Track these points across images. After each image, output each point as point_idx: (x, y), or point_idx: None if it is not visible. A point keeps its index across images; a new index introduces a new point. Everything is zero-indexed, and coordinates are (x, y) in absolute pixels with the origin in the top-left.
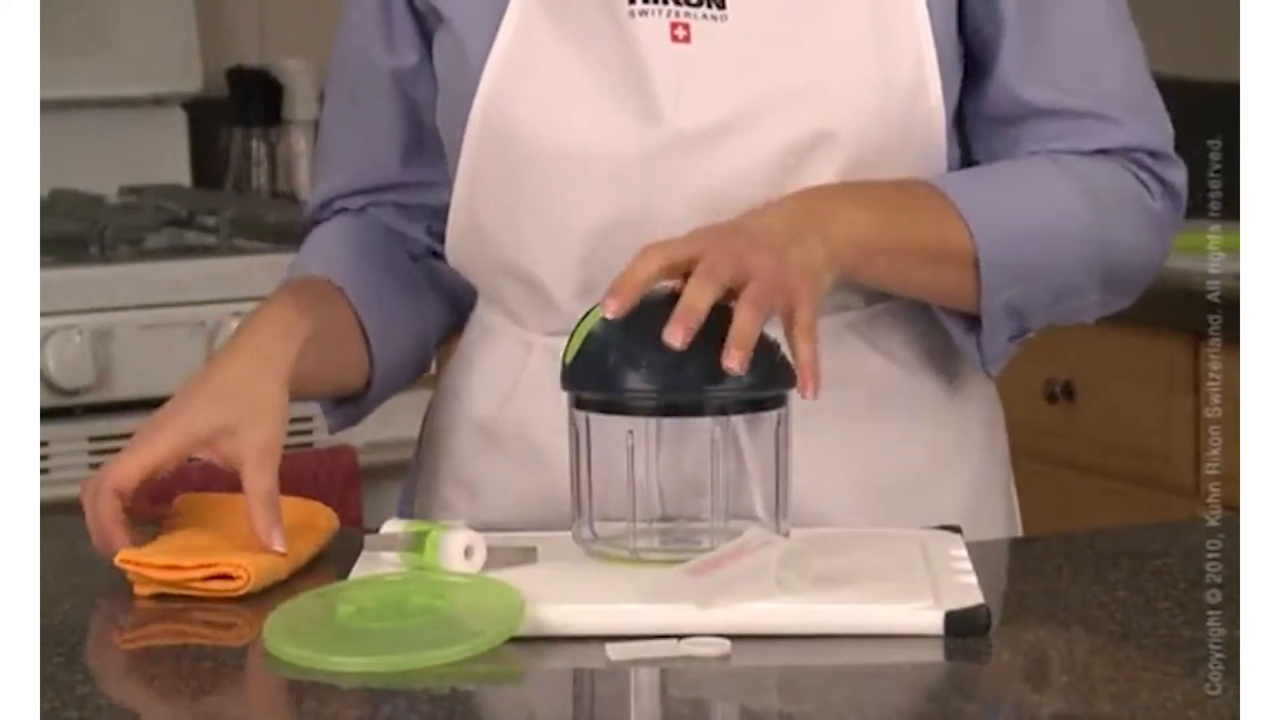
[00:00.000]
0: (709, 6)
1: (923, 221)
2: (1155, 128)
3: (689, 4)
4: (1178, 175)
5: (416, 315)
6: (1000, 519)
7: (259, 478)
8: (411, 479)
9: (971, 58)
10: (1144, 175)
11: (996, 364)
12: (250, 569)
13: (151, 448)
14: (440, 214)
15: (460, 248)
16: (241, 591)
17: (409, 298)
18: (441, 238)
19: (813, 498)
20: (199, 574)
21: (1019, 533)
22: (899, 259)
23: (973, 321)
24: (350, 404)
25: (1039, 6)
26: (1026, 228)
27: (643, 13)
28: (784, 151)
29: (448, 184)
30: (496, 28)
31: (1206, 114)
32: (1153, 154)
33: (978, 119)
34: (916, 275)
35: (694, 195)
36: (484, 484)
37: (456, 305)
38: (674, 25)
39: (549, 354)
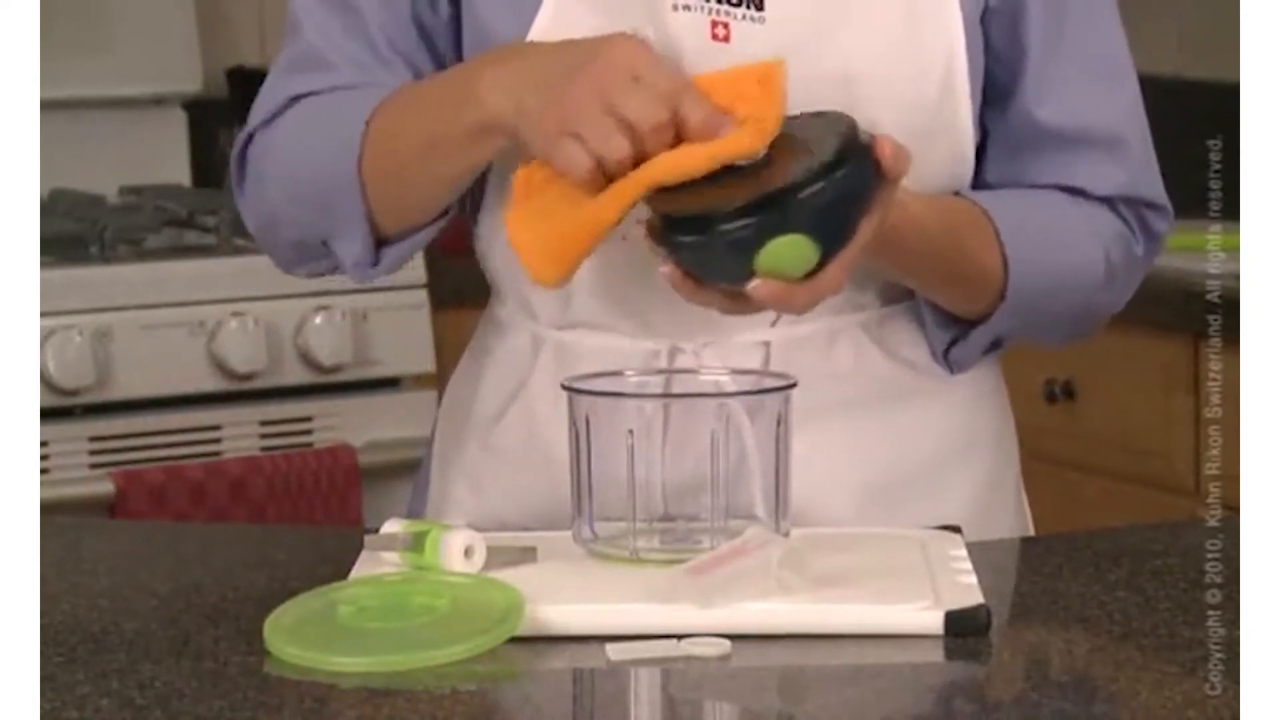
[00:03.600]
0: (748, 7)
1: (969, 244)
2: (1156, 178)
3: (729, 3)
4: (1164, 225)
5: None
6: (1009, 517)
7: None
8: (423, 475)
9: (992, 82)
10: (1134, 224)
11: (960, 369)
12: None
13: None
14: None
15: (487, 225)
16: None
17: None
18: None
19: (820, 497)
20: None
21: (1030, 529)
22: (937, 265)
23: (952, 321)
24: (411, 236)
25: (1061, 36)
26: (1052, 281)
27: (685, 7)
28: None
29: None
30: (531, 20)
31: (1206, 114)
32: (1150, 205)
33: (995, 143)
34: (941, 287)
35: None
36: (491, 481)
37: None
38: (714, 24)
39: (558, 350)
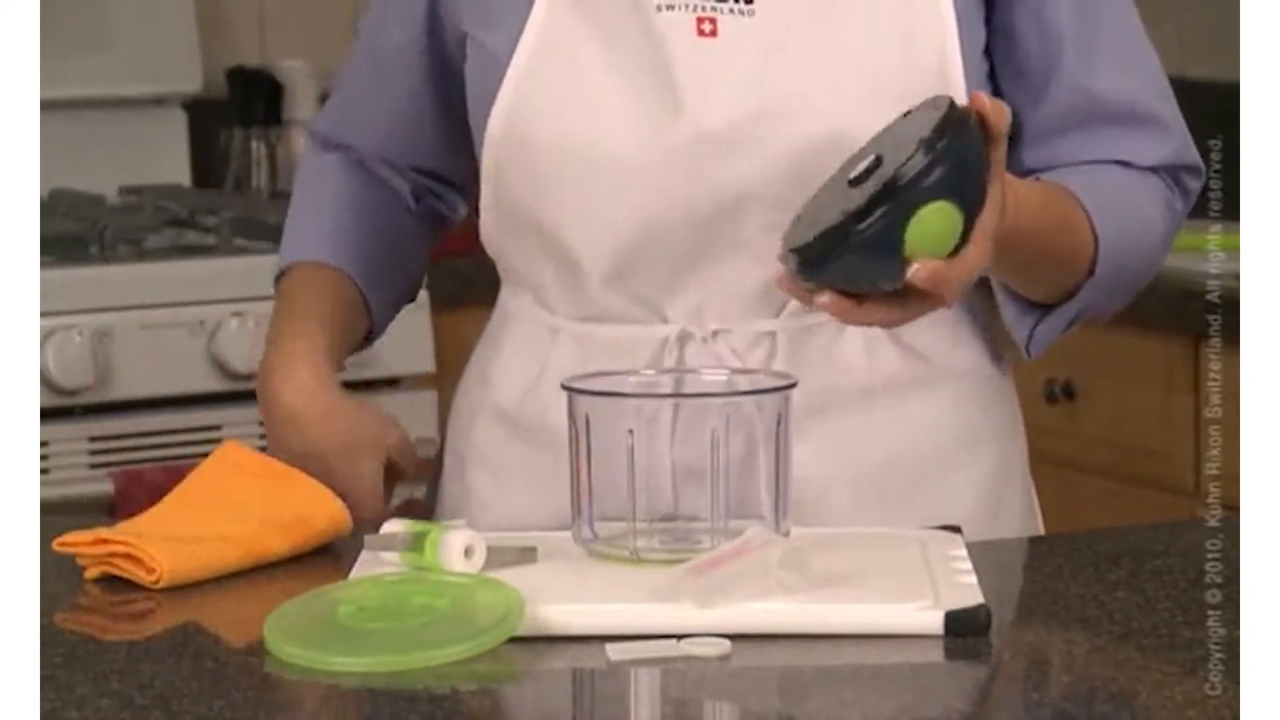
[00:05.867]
0: (736, 1)
1: (1068, 222)
2: (1190, 140)
3: None
4: (1198, 183)
5: (409, 265)
6: (1018, 509)
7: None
8: (437, 467)
9: (1027, 69)
10: (1175, 186)
11: (1040, 349)
12: (164, 566)
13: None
14: (439, 174)
15: (494, 226)
16: (159, 585)
17: (403, 253)
18: (430, 190)
19: (828, 487)
20: (121, 550)
21: (1038, 521)
22: (1040, 248)
23: (1028, 306)
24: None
25: (1096, 12)
26: (1129, 253)
27: (669, 6)
28: (808, 149)
29: (451, 160)
30: (523, 24)
31: (1206, 114)
32: (1188, 168)
33: (1038, 129)
34: (1039, 268)
35: (719, 190)
36: (509, 471)
37: (443, 227)
38: (700, 20)
39: (574, 341)
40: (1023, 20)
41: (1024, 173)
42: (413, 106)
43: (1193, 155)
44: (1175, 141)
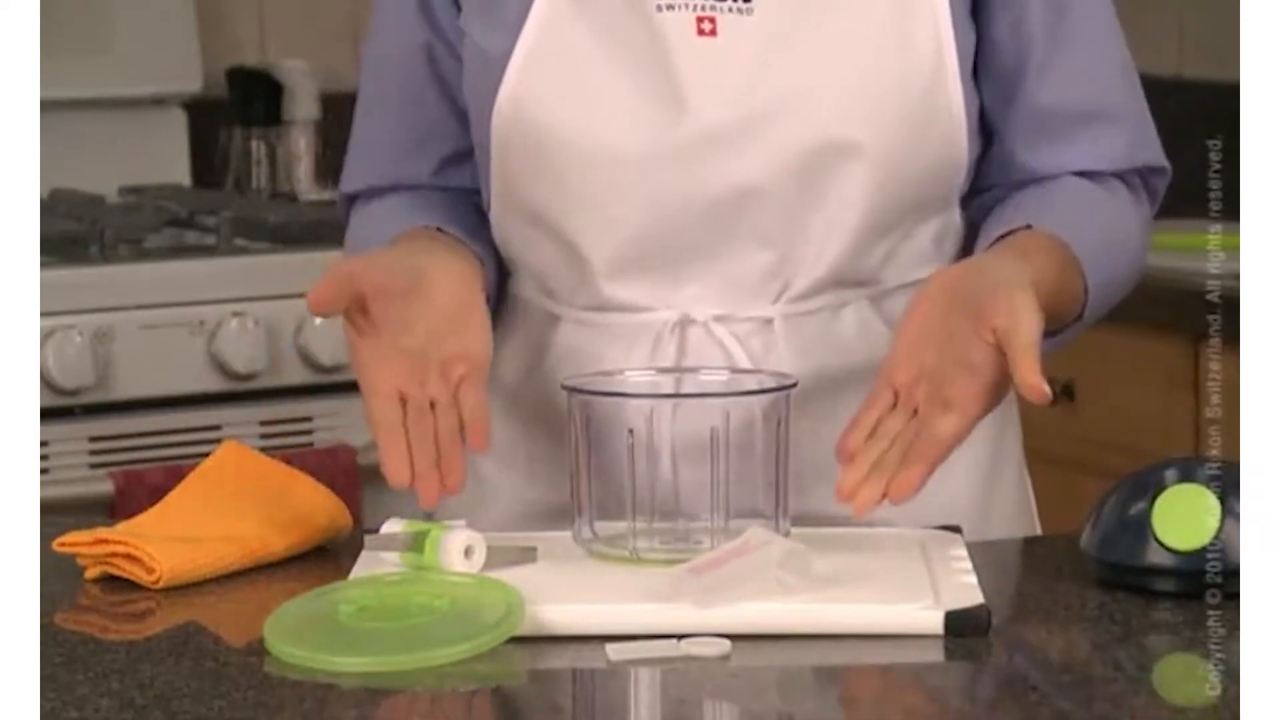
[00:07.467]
0: (735, 0)
1: (1068, 276)
2: (1157, 142)
3: None
4: (1164, 183)
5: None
6: (1012, 491)
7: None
8: None
9: (999, 72)
10: (1143, 190)
11: None
12: (164, 566)
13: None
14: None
15: (499, 215)
16: (159, 585)
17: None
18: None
19: (827, 470)
20: (121, 550)
21: (1032, 506)
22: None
23: None
24: None
25: (1063, 22)
26: (1116, 285)
27: (669, 6)
28: (809, 148)
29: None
30: (522, 24)
31: (1206, 114)
32: (1154, 169)
33: (1007, 135)
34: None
35: (722, 186)
36: (515, 452)
37: None
38: (700, 19)
39: (577, 327)
40: (1000, 25)
41: (997, 181)
42: (424, 110)
43: (1160, 157)
44: (1138, 141)
